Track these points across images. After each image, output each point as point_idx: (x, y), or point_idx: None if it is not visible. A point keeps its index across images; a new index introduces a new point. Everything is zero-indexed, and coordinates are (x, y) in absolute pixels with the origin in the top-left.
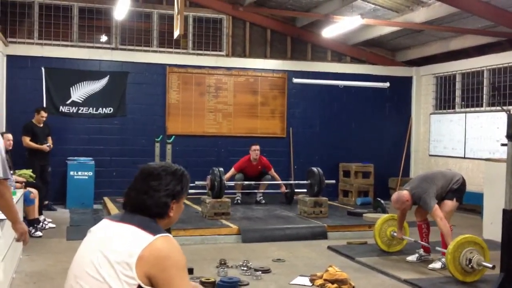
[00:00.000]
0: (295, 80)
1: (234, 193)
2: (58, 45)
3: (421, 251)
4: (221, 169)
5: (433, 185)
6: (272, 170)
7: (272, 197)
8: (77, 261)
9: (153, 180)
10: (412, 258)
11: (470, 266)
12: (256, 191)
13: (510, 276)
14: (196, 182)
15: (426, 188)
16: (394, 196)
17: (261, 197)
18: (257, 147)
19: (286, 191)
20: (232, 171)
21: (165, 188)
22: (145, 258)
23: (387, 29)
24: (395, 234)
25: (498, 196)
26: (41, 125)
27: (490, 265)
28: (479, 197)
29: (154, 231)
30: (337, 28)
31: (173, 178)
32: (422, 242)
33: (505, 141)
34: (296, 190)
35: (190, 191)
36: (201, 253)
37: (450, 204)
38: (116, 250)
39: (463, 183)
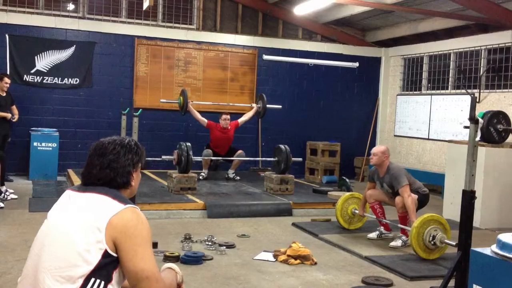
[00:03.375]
0: (265, 57)
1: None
2: (24, 12)
3: (382, 228)
4: (189, 144)
5: (408, 175)
6: (239, 120)
7: (239, 173)
8: (45, 230)
9: (111, 155)
10: (372, 235)
11: (432, 243)
12: (227, 161)
13: (466, 254)
14: (163, 157)
15: (404, 172)
16: (379, 146)
17: (234, 173)
18: (228, 116)
19: (258, 110)
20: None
21: (125, 159)
22: (114, 223)
23: (358, 9)
24: (356, 211)
25: (458, 177)
26: (4, 93)
27: (453, 243)
28: (440, 177)
29: (124, 201)
30: (309, 5)
31: (129, 149)
32: (383, 219)
33: (468, 123)
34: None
35: (156, 164)
36: (166, 228)
37: (412, 196)
38: (87, 216)
39: (428, 194)
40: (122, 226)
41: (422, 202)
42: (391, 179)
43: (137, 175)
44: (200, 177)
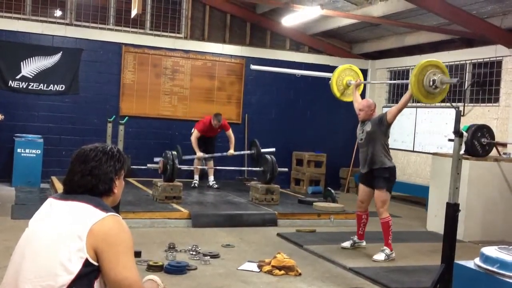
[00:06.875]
0: (253, 67)
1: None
2: (10, 17)
3: (355, 238)
4: (174, 152)
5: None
6: (230, 130)
7: (224, 182)
8: (26, 239)
9: (93, 161)
10: (346, 244)
11: (434, 86)
12: (207, 166)
13: (450, 267)
14: (148, 165)
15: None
16: (365, 100)
17: (214, 181)
18: (220, 123)
19: (232, 153)
20: (196, 133)
21: (107, 166)
22: (95, 232)
23: (345, 21)
24: (352, 82)
25: (443, 189)
26: None
27: (455, 80)
28: (425, 190)
29: (105, 209)
30: (297, 17)
31: (111, 156)
32: (361, 229)
33: (453, 136)
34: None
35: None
36: (150, 237)
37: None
38: (68, 224)
39: (394, 167)
40: (104, 234)
41: (391, 185)
42: (376, 119)
43: (120, 183)
44: (195, 185)
